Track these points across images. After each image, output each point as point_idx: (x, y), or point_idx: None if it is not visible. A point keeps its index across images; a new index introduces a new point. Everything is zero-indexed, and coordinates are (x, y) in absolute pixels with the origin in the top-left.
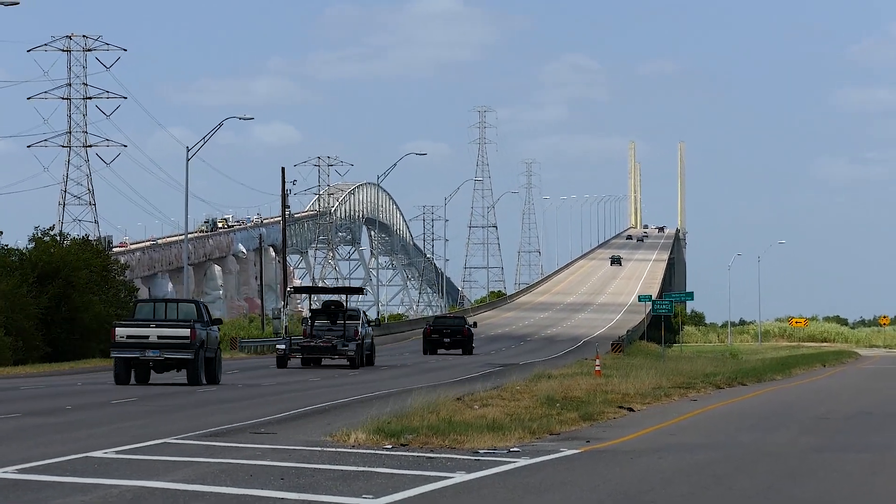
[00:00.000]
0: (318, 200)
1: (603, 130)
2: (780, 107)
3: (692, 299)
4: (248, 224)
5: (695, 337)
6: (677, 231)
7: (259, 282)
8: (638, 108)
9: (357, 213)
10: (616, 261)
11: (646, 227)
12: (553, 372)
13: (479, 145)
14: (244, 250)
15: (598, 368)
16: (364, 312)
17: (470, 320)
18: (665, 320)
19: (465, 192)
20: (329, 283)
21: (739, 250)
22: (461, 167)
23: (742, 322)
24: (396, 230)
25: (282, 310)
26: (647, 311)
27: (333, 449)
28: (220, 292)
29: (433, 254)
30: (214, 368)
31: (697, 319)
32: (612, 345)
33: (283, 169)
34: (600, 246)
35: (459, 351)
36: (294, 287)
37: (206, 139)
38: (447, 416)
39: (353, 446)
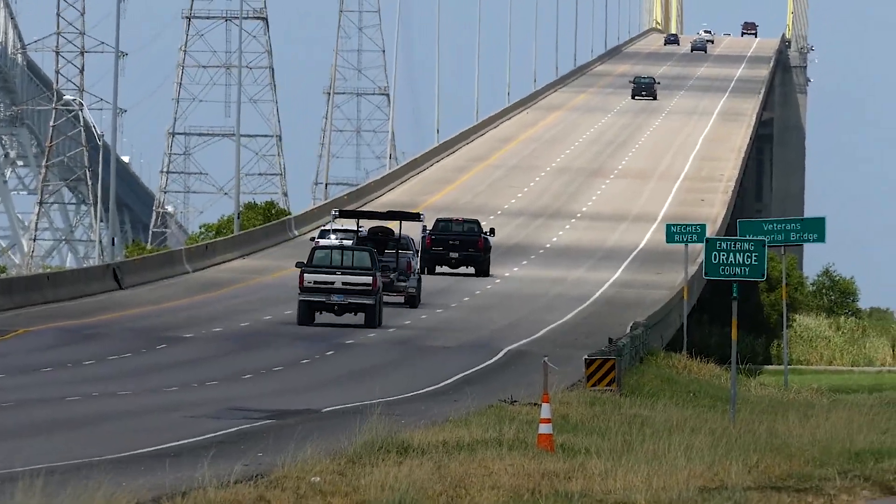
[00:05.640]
0: None
1: None
2: None
3: (823, 240)
4: None
5: (829, 346)
6: (782, 43)
7: None
8: None
9: None
10: (644, 88)
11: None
12: (420, 436)
13: None
14: None
15: (544, 430)
16: (412, 240)
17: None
18: (745, 293)
19: None
20: None
21: None
22: None
23: None
24: None
25: None
26: (695, 265)
27: None
28: None
29: (82, 96)
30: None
31: (839, 298)
32: (591, 362)
33: None
34: (576, 73)
35: (472, 270)
36: (339, 210)
37: None
38: None
39: None
